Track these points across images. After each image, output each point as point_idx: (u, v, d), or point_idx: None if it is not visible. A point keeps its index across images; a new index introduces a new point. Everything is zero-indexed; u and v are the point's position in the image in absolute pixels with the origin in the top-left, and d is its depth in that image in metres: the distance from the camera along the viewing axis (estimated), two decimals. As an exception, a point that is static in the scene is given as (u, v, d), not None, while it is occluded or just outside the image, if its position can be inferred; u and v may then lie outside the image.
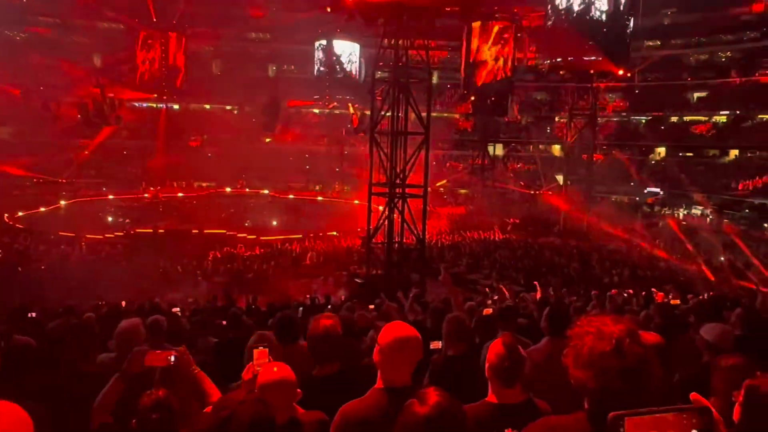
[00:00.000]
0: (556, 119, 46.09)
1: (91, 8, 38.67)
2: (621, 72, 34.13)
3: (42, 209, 31.99)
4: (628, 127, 46.48)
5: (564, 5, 32.77)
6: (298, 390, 2.44)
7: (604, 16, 31.42)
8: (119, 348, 3.33)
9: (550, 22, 33.62)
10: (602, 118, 42.79)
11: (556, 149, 45.23)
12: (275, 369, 2.43)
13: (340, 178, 42.92)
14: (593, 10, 31.76)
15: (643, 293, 12.17)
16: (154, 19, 41.83)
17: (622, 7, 31.19)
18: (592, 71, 32.96)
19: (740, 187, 35.50)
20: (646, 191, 38.71)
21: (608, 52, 30.95)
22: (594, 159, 36.74)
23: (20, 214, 30.02)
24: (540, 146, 45.64)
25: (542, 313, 4.24)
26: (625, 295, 12.60)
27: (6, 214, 29.15)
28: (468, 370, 3.38)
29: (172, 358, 2.53)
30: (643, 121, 46.09)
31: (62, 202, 34.10)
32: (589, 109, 35.40)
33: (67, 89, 36.86)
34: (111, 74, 40.36)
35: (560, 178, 38.83)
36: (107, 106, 27.24)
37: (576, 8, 32.31)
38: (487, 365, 2.56)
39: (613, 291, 12.05)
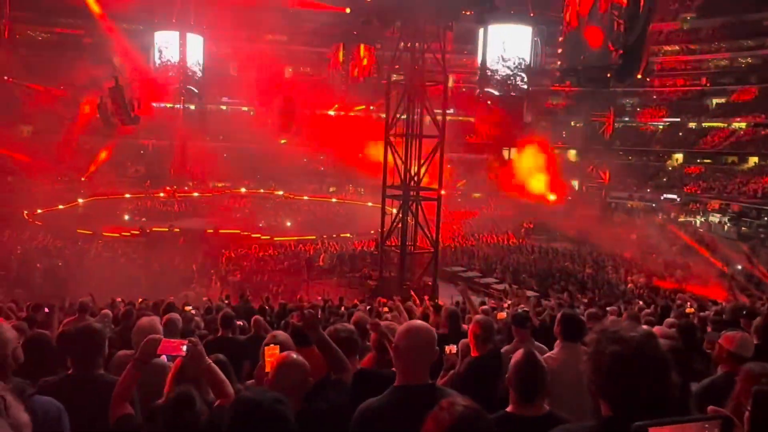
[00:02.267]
0: (572, 124, 45.74)
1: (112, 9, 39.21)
2: (639, 77, 33.76)
3: (60, 207, 32.40)
4: (645, 132, 46.00)
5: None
6: (311, 379, 2.49)
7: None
8: (138, 345, 3.36)
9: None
10: (619, 123, 42.36)
11: (572, 154, 44.89)
12: (290, 354, 2.59)
13: (354, 180, 42.91)
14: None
15: (660, 301, 12.02)
16: (174, 20, 42.19)
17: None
18: (609, 74, 32.62)
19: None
20: (662, 197, 38.26)
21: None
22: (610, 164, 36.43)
23: (39, 211, 30.43)
24: (555, 151, 45.24)
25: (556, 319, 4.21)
26: (641, 303, 12.47)
27: (25, 211, 29.57)
28: (492, 371, 3.40)
29: (185, 348, 2.55)
30: (660, 126, 45.59)
31: (80, 200, 34.51)
32: (606, 113, 35.12)
33: (88, 88, 37.29)
34: (130, 74, 40.75)
35: (575, 183, 38.54)
36: (125, 106, 27.53)
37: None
38: (508, 376, 2.55)
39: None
